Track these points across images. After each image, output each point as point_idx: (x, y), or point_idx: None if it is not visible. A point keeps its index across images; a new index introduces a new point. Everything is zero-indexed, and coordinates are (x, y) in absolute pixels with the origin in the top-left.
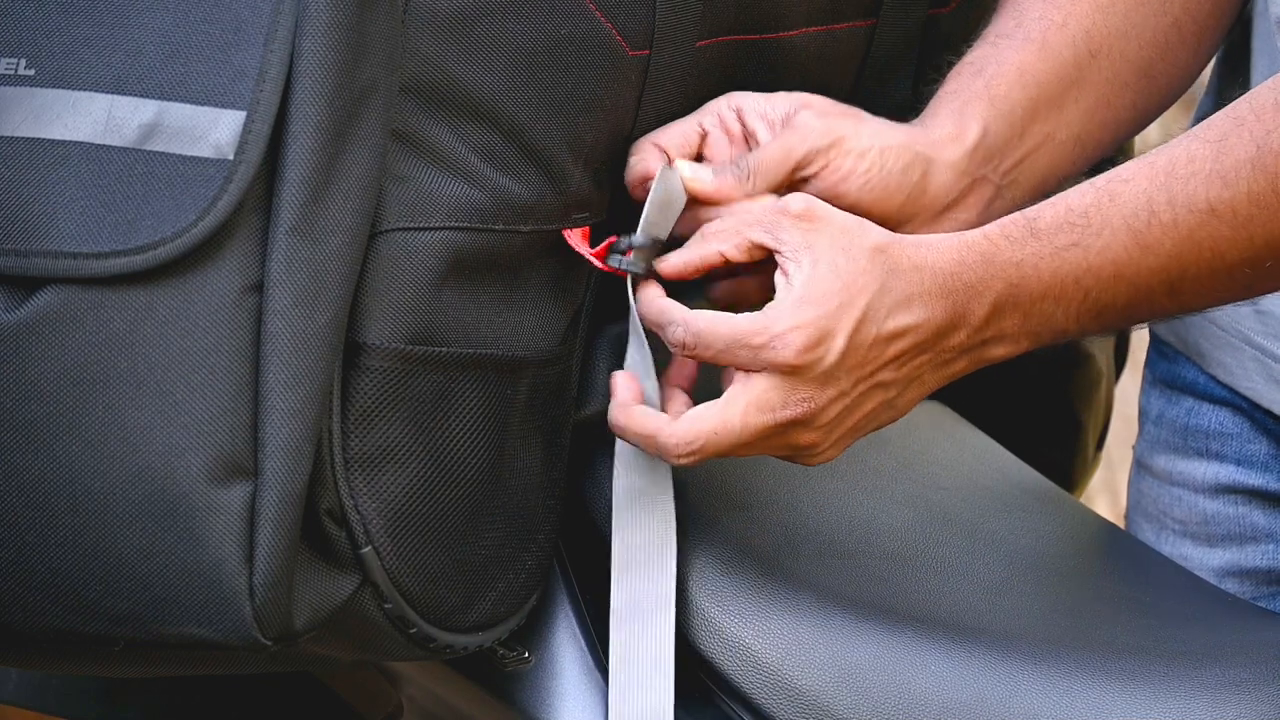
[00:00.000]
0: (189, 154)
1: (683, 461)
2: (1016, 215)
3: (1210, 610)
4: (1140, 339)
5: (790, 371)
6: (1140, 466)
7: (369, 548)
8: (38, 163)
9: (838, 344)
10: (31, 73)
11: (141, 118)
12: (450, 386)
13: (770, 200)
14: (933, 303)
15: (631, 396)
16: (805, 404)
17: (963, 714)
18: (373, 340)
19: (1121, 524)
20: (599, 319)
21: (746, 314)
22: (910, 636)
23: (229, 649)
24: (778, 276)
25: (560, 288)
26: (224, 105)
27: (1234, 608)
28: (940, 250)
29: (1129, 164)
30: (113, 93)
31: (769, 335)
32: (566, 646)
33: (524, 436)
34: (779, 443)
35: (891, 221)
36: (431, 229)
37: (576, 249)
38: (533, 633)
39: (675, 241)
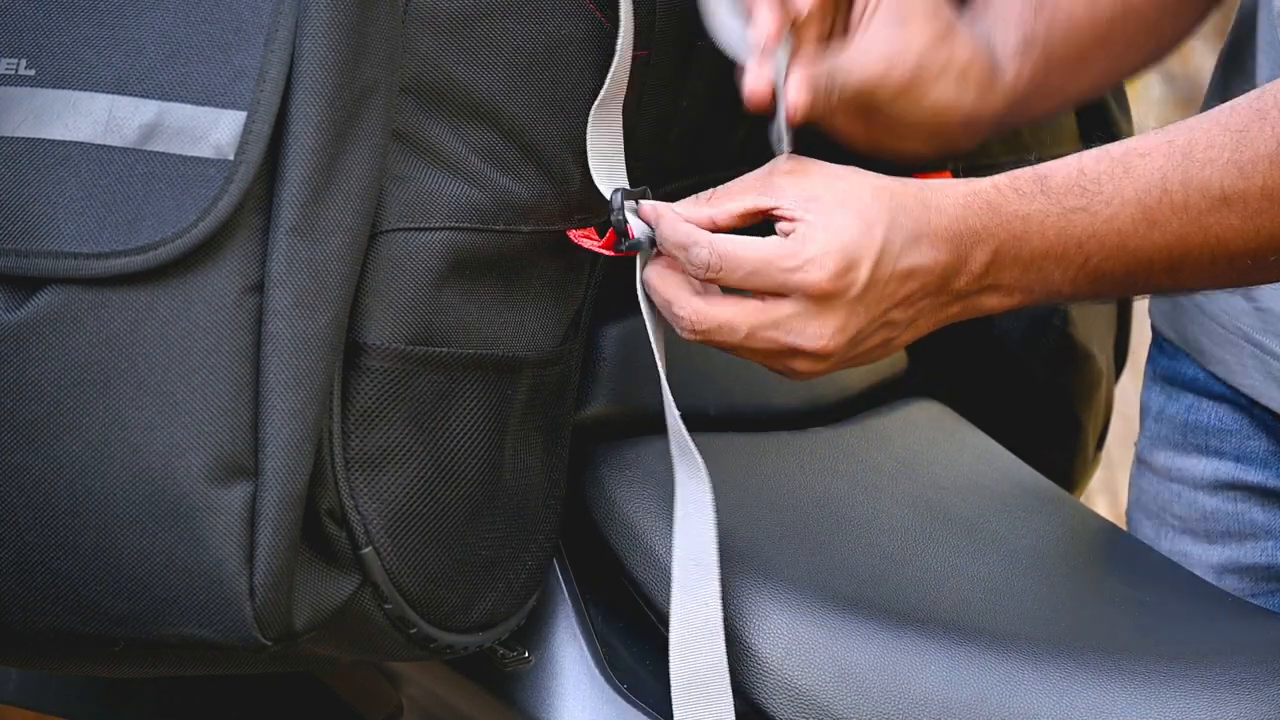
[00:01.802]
0: (189, 154)
1: (686, 334)
2: (1028, 170)
3: (1210, 610)
4: (1141, 338)
5: (820, 298)
6: (1140, 463)
7: (369, 548)
8: (38, 163)
9: (864, 273)
10: (32, 73)
11: (142, 118)
12: (450, 387)
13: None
14: (940, 244)
15: (669, 263)
16: (821, 338)
17: (963, 714)
18: (373, 340)
19: (1121, 523)
20: (599, 319)
21: (773, 238)
22: (910, 636)
23: (229, 649)
24: (782, 228)
25: (560, 288)
26: (224, 105)
27: (1234, 607)
28: (946, 194)
29: (1147, 137)
30: (113, 93)
31: (801, 259)
32: (566, 646)
33: (524, 436)
34: (783, 364)
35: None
36: (432, 229)
37: (582, 244)
38: (533, 633)
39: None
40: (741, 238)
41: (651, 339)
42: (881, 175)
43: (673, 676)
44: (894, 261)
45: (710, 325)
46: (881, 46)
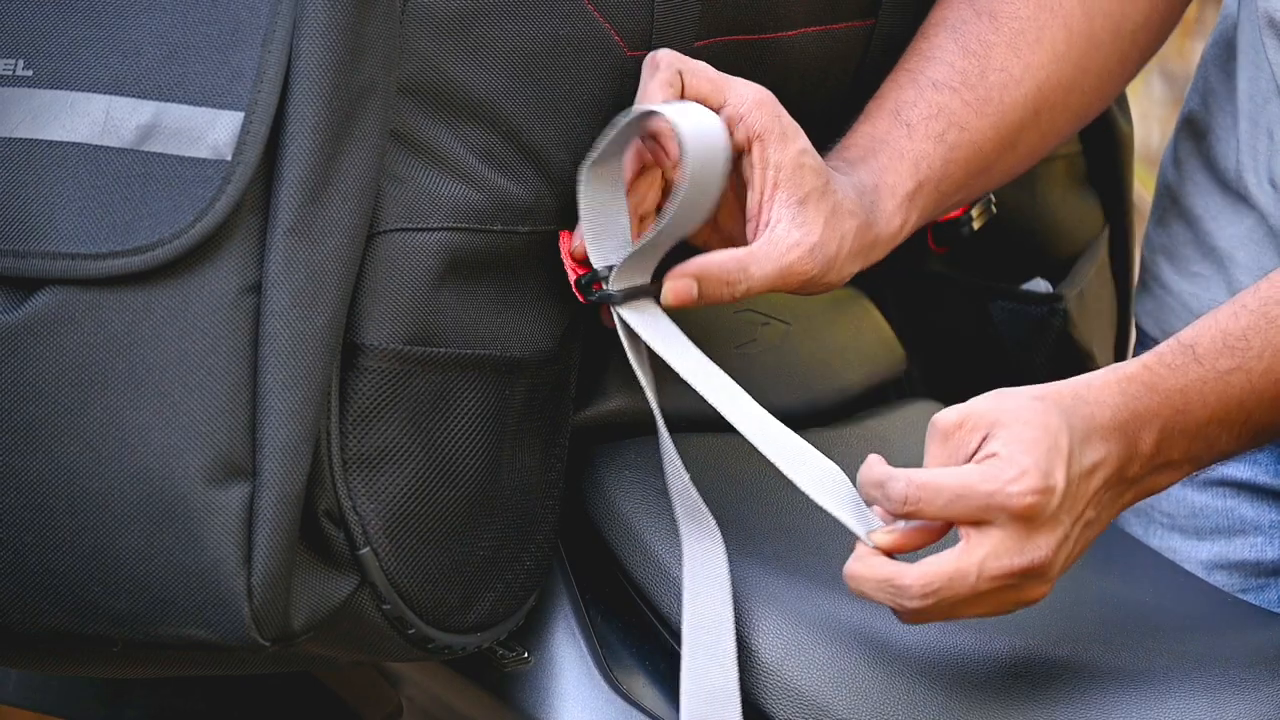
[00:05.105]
0: (187, 155)
1: (916, 605)
2: (1173, 342)
3: (1210, 610)
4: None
5: (1023, 517)
6: None
7: (367, 548)
8: (36, 164)
9: (1059, 482)
10: (29, 74)
11: (139, 119)
12: (448, 387)
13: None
14: (1109, 436)
15: (870, 550)
16: (1040, 550)
17: (962, 714)
18: (371, 341)
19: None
20: (598, 320)
21: (969, 466)
22: (910, 637)
23: (227, 650)
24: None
25: (559, 289)
26: (222, 106)
27: (1234, 608)
28: (1099, 389)
29: (1275, 282)
30: (111, 93)
31: (1000, 481)
32: (566, 646)
33: (522, 437)
34: (1011, 598)
35: None
36: (430, 229)
37: (565, 260)
38: (532, 633)
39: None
40: (937, 469)
41: (642, 381)
42: (1030, 386)
43: None
44: (1079, 463)
45: (941, 580)
46: (789, 236)
